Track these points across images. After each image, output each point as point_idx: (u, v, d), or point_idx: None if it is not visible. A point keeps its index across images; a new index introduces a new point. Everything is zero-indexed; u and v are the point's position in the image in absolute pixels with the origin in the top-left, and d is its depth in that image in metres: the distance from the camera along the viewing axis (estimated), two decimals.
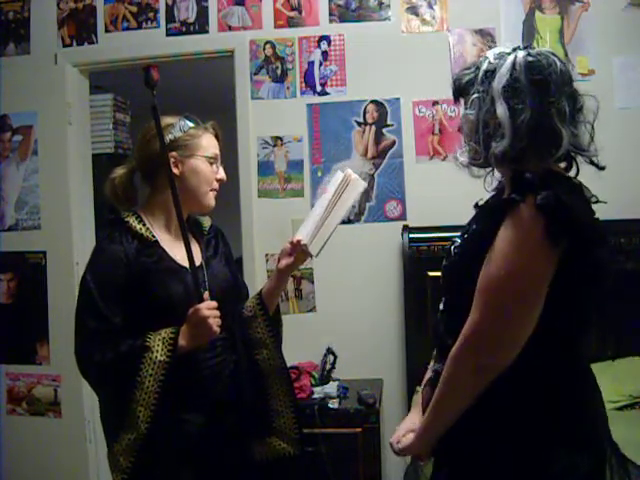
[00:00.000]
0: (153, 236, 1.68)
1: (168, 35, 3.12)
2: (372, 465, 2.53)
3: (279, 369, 1.80)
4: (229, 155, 3.35)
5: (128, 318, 1.61)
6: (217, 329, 1.57)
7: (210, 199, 1.75)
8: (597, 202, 1.30)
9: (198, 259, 1.73)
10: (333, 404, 2.58)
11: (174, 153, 1.68)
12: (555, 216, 1.17)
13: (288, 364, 2.72)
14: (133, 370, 1.54)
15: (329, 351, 2.77)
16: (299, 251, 1.79)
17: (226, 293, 1.76)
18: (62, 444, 3.06)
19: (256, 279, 2.96)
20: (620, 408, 2.48)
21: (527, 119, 1.23)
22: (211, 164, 1.73)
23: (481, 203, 1.45)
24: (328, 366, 2.75)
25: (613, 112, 2.85)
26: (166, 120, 1.71)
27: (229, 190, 3.49)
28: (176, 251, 1.70)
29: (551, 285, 1.22)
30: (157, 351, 1.54)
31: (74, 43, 3.18)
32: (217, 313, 1.58)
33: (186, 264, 1.64)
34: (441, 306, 1.44)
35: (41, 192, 3.17)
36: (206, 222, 1.87)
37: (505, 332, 1.23)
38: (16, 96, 3.20)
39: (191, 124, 1.72)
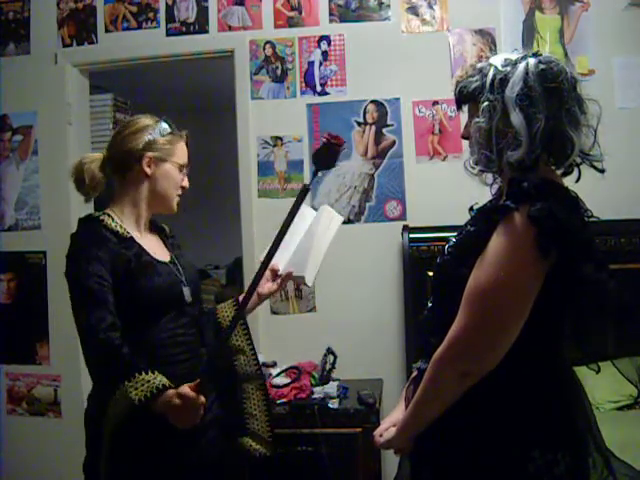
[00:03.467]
0: (128, 232, 1.71)
1: (168, 35, 3.12)
2: (372, 465, 2.53)
3: (255, 374, 1.86)
4: (229, 155, 3.37)
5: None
6: (190, 421, 1.51)
7: (174, 203, 1.81)
8: (591, 217, 1.31)
9: (167, 255, 1.81)
10: (333, 404, 2.58)
11: (150, 154, 1.73)
12: (546, 228, 1.18)
13: (288, 364, 2.77)
14: (110, 391, 1.53)
15: (329, 351, 2.77)
16: (283, 279, 1.91)
17: (196, 284, 1.85)
18: (62, 444, 3.06)
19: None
20: (620, 408, 2.48)
21: (542, 127, 1.24)
22: (180, 171, 1.80)
23: (477, 207, 1.45)
24: (328, 366, 2.75)
25: (613, 112, 2.85)
26: (145, 120, 1.77)
27: (229, 190, 3.51)
28: (149, 247, 1.75)
29: (537, 295, 1.23)
30: (135, 388, 1.49)
31: (74, 43, 3.18)
32: (193, 406, 1.49)
33: (161, 258, 1.75)
34: (429, 304, 1.45)
35: (41, 192, 3.18)
36: (167, 228, 1.94)
37: (490, 340, 1.24)
38: (16, 96, 3.20)
39: (169, 129, 1.78)
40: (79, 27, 3.17)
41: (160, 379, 1.51)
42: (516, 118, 1.26)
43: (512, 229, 1.22)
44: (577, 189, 1.37)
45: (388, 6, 3.01)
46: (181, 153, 1.80)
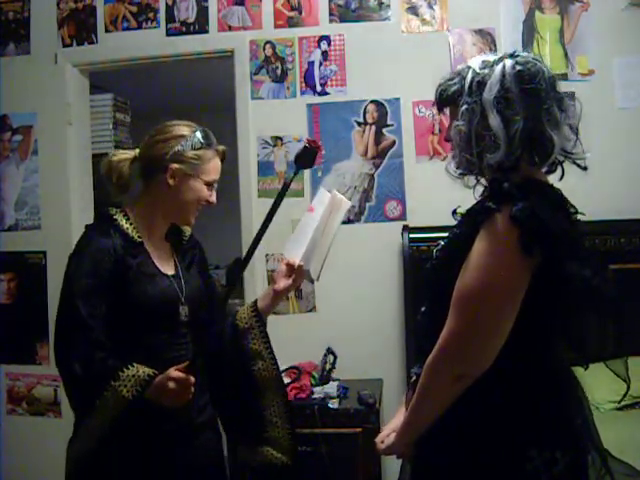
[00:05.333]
0: (139, 237, 1.67)
1: (168, 35, 3.13)
2: (372, 465, 2.53)
3: (274, 380, 1.79)
4: (229, 155, 3.36)
5: (108, 311, 1.61)
6: (183, 400, 1.54)
7: (193, 217, 1.74)
8: (576, 213, 1.32)
9: (174, 267, 1.75)
10: (333, 404, 2.58)
11: (176, 165, 1.63)
12: (528, 228, 1.18)
13: (288, 364, 2.76)
14: (96, 393, 1.53)
15: (329, 351, 2.77)
16: (298, 274, 1.80)
17: (197, 301, 1.76)
18: (62, 444, 3.05)
19: (256, 279, 2.96)
20: (620, 408, 2.48)
21: (520, 128, 1.24)
22: (208, 188, 1.70)
23: (460, 210, 1.45)
24: (328, 366, 2.75)
25: (613, 112, 2.85)
26: (180, 129, 1.67)
27: (229, 190, 3.50)
28: (156, 256, 1.71)
29: (526, 294, 1.23)
30: (125, 386, 1.51)
31: (74, 43, 3.18)
32: (185, 387, 1.53)
33: (165, 270, 1.68)
34: (422, 308, 1.45)
35: (41, 192, 3.18)
36: (187, 231, 1.85)
37: (480, 342, 1.25)
38: (16, 96, 3.20)
39: (204, 143, 1.67)
40: (79, 27, 3.17)
41: (143, 370, 1.53)
42: (494, 120, 1.25)
43: (495, 231, 1.22)
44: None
45: (388, 6, 3.01)
46: (212, 169, 1.69)
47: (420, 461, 1.42)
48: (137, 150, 1.72)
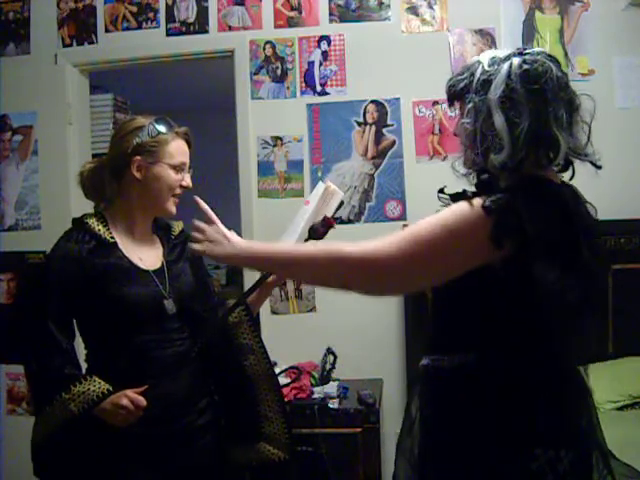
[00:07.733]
0: (112, 237, 1.67)
1: (168, 35, 3.12)
2: (372, 465, 2.53)
3: (266, 374, 1.75)
4: (229, 155, 3.37)
5: (85, 317, 1.65)
6: (129, 421, 1.57)
7: (170, 205, 1.73)
8: (582, 214, 1.28)
9: (159, 262, 1.75)
10: (333, 404, 2.58)
11: (138, 157, 1.66)
12: (501, 219, 1.16)
13: (288, 364, 2.77)
14: (46, 399, 1.59)
15: (329, 351, 2.77)
16: None
17: (187, 295, 1.75)
18: None
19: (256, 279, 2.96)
20: (620, 408, 2.48)
21: (525, 129, 1.22)
22: (176, 171, 1.70)
23: (446, 190, 1.46)
24: (328, 366, 2.75)
25: (613, 112, 2.85)
26: (137, 122, 1.70)
27: (229, 190, 3.51)
28: (136, 253, 1.70)
29: (518, 291, 1.22)
30: (73, 400, 1.55)
31: (74, 43, 3.18)
32: (136, 407, 1.56)
33: (145, 266, 1.68)
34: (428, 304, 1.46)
35: (41, 192, 3.18)
36: (177, 227, 1.85)
37: (397, 275, 1.24)
38: (16, 96, 3.20)
39: (161, 129, 1.68)
40: (79, 27, 3.17)
41: (95, 387, 1.57)
42: (498, 121, 1.23)
43: (467, 207, 1.21)
44: (578, 189, 1.37)
45: (388, 6, 3.01)
46: (175, 152, 1.69)
47: (424, 459, 1.41)
48: (104, 157, 1.75)
